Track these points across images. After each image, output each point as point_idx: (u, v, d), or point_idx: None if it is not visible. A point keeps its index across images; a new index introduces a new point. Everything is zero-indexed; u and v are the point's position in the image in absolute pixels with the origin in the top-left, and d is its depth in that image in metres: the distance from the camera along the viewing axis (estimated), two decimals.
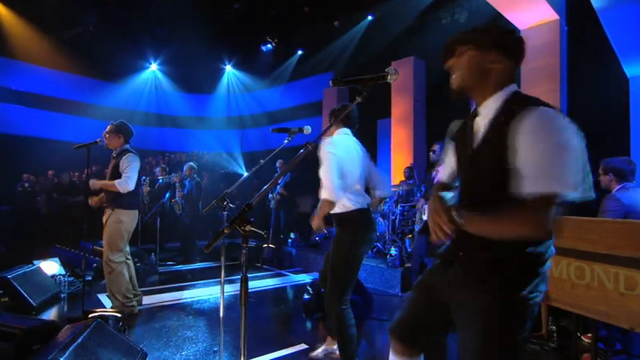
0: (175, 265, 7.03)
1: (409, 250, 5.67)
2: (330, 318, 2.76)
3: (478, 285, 1.39)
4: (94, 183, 4.00)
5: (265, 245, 7.38)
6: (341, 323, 2.62)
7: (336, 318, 2.65)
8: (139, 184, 4.17)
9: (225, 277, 2.66)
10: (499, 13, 6.13)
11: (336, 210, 2.69)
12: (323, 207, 2.56)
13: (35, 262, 4.91)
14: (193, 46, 11.41)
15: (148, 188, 7.40)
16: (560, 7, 6.00)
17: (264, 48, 12.00)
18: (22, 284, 4.18)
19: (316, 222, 2.59)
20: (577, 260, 2.58)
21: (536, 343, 3.34)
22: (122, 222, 3.94)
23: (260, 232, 1.57)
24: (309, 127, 2.69)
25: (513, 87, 1.43)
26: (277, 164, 7.91)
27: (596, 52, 6.04)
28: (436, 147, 4.68)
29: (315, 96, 11.80)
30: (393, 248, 5.80)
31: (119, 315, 3.61)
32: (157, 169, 8.58)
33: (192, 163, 7.66)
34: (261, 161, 3.03)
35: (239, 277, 1.42)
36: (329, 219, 2.67)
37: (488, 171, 1.38)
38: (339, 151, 2.61)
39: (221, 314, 2.62)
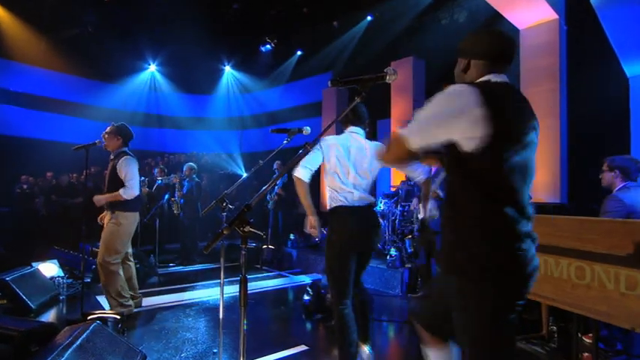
0: (175, 266, 7.02)
1: (409, 250, 5.66)
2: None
3: (450, 268, 1.51)
4: (99, 199, 3.98)
5: (265, 246, 7.37)
6: (338, 324, 2.63)
7: (335, 319, 2.64)
8: (140, 189, 4.16)
9: (225, 278, 2.66)
10: (498, 13, 6.12)
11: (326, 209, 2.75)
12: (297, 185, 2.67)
13: (34, 263, 4.90)
14: (192, 47, 11.39)
15: (147, 189, 7.39)
16: (560, 6, 6.00)
17: (263, 48, 11.99)
18: (21, 286, 4.16)
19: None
20: (577, 260, 2.57)
21: (537, 344, 3.33)
22: (122, 224, 3.93)
23: (259, 232, 1.56)
24: (308, 127, 2.68)
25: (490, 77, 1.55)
26: (275, 165, 7.89)
27: (595, 51, 6.03)
28: None
29: (315, 96, 11.79)
30: (392, 249, 5.80)
31: (118, 317, 3.59)
32: (156, 170, 8.56)
33: (191, 164, 7.65)
34: (261, 162, 3.03)
35: (239, 278, 1.41)
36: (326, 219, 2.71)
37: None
38: (324, 145, 2.68)
39: (221, 315, 2.62)
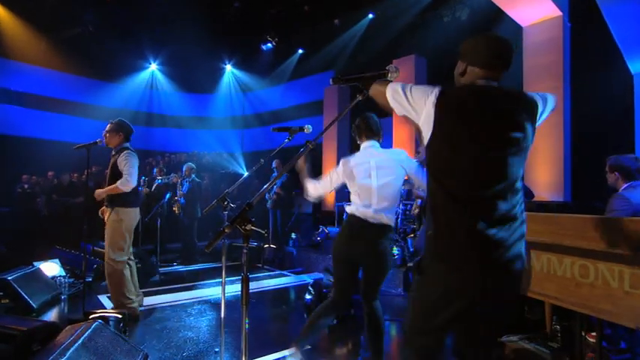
0: (177, 265, 7.02)
1: (411, 249, 5.64)
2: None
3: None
4: (99, 193, 3.99)
5: (266, 246, 7.36)
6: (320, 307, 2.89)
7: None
8: (139, 183, 4.16)
9: (227, 277, 2.65)
10: (501, 10, 6.09)
11: None
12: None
13: (35, 263, 4.90)
14: (193, 46, 11.38)
15: (147, 189, 7.38)
16: (563, 3, 5.96)
17: (264, 47, 11.96)
18: (23, 286, 4.17)
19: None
20: (581, 259, 2.55)
21: (541, 343, 3.31)
22: (122, 220, 3.92)
23: (261, 231, 1.56)
24: (309, 126, 2.66)
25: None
26: (274, 164, 7.89)
27: (599, 48, 6.00)
28: (421, 149, 4.68)
29: (316, 95, 11.77)
30: (395, 247, 5.77)
31: (120, 316, 3.59)
32: (155, 170, 8.56)
33: (191, 164, 7.65)
34: (262, 160, 3.01)
35: (240, 277, 1.41)
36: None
37: None
38: (344, 166, 2.76)
39: (222, 315, 2.61)
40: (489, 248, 1.49)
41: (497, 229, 1.49)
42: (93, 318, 3.05)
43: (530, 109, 1.59)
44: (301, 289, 5.49)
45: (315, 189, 2.80)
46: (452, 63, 1.73)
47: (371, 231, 2.65)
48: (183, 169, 7.52)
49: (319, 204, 10.33)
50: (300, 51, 12.25)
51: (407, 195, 6.55)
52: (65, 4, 9.49)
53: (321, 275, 6.16)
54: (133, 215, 4.04)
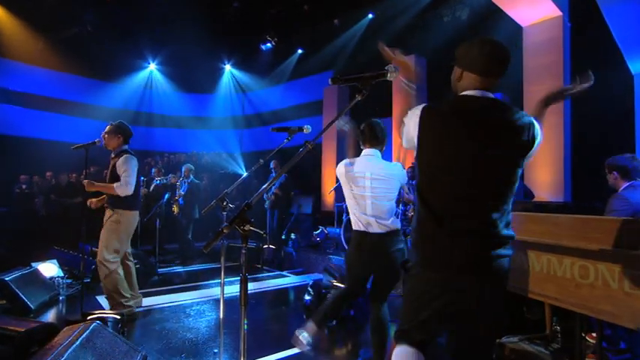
0: (176, 266, 7.00)
1: None
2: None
3: None
4: (90, 184, 3.87)
5: (266, 246, 7.34)
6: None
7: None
8: (138, 184, 4.14)
9: (226, 278, 2.64)
10: (501, 10, 6.07)
11: None
12: None
13: (33, 264, 4.89)
14: (192, 46, 11.34)
15: (145, 189, 7.36)
16: (563, 3, 5.94)
17: (263, 47, 11.94)
18: (20, 286, 4.16)
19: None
20: (581, 259, 2.53)
21: (541, 344, 3.30)
22: (121, 223, 3.91)
23: (259, 231, 1.55)
24: (309, 126, 2.65)
25: (464, 93, 1.68)
26: (271, 164, 7.87)
27: (600, 48, 5.98)
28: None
29: (316, 95, 11.75)
30: None
31: (118, 317, 3.57)
32: (153, 170, 8.54)
33: (189, 165, 7.64)
34: (261, 161, 3.00)
35: (239, 278, 1.41)
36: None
37: None
38: (339, 174, 2.84)
39: (221, 315, 2.61)
40: (470, 253, 1.56)
41: (481, 232, 1.56)
42: (91, 319, 3.03)
43: (524, 130, 1.60)
44: (301, 289, 5.48)
45: None
46: (452, 63, 1.73)
47: (374, 241, 2.67)
48: (182, 169, 7.50)
49: (319, 204, 10.32)
50: (300, 51, 12.23)
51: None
52: (64, 3, 9.45)
53: (320, 276, 6.14)
54: (132, 218, 4.03)
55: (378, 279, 2.80)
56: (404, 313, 1.72)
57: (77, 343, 2.37)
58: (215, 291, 5.28)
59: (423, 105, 1.67)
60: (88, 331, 2.53)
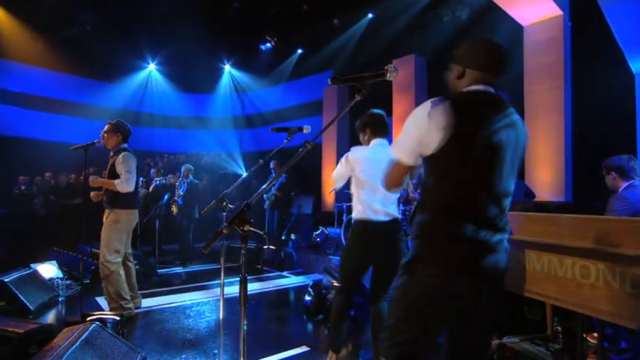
0: (176, 267, 6.99)
1: None
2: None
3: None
4: (94, 180, 3.96)
5: (266, 247, 7.33)
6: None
7: None
8: (137, 183, 4.14)
9: (225, 279, 2.63)
10: (501, 10, 6.06)
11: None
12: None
13: (32, 265, 4.87)
14: (192, 46, 11.34)
15: (145, 190, 7.35)
16: (564, 2, 5.93)
17: (263, 47, 11.92)
18: (19, 287, 4.14)
19: None
20: (582, 259, 2.52)
21: (542, 344, 3.29)
22: (120, 222, 3.90)
23: (259, 232, 1.55)
24: (308, 126, 2.64)
25: (463, 89, 1.65)
26: (271, 165, 7.86)
27: (600, 47, 5.97)
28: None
29: (316, 95, 11.75)
30: None
31: (118, 318, 3.56)
32: (152, 171, 8.53)
33: (188, 165, 7.63)
34: (261, 161, 2.99)
35: (239, 278, 1.40)
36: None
37: None
38: (352, 157, 2.77)
39: (221, 316, 2.60)
40: (475, 252, 1.52)
41: (485, 232, 1.53)
42: (90, 320, 3.02)
43: (522, 127, 1.65)
44: (301, 290, 5.47)
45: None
46: (451, 61, 1.73)
47: (382, 228, 2.69)
48: (181, 170, 7.50)
49: (319, 205, 10.31)
50: (300, 51, 12.22)
51: (407, 196, 6.52)
52: (63, 4, 9.44)
53: (320, 276, 6.14)
54: (131, 217, 4.02)
55: (380, 269, 2.78)
56: (397, 323, 1.61)
57: (76, 344, 2.37)
58: (215, 292, 5.27)
59: (439, 100, 1.53)
60: (87, 332, 2.53)
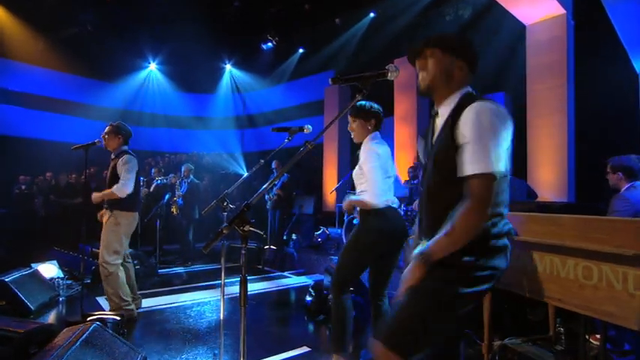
0: (177, 267, 6.98)
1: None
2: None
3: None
4: (96, 197, 3.97)
5: (266, 247, 7.32)
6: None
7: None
8: (139, 185, 4.13)
9: (226, 279, 2.62)
10: (504, 9, 6.04)
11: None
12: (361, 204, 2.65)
13: (33, 264, 4.87)
14: (193, 45, 11.33)
15: (146, 190, 7.35)
16: (567, 1, 5.90)
17: (264, 46, 11.91)
18: (20, 287, 4.14)
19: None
20: (584, 260, 2.50)
21: (544, 346, 3.27)
22: (120, 224, 3.89)
23: (259, 232, 1.54)
24: (309, 126, 2.64)
25: (468, 88, 1.59)
26: (273, 164, 7.86)
27: (604, 46, 5.93)
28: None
29: (317, 95, 11.74)
30: None
31: (118, 318, 3.56)
32: (153, 171, 8.53)
33: (189, 164, 7.62)
34: (261, 161, 2.99)
35: (239, 278, 1.38)
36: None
37: (440, 165, 1.53)
38: (381, 150, 2.68)
39: (221, 317, 2.59)
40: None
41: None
42: (91, 320, 3.02)
43: None
44: (302, 290, 5.46)
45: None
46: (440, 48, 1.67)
47: (403, 222, 2.74)
48: (182, 169, 7.49)
49: (320, 205, 10.30)
50: (301, 50, 12.20)
51: (409, 197, 6.52)
52: (64, 3, 9.44)
53: (321, 277, 6.13)
54: (131, 219, 4.01)
55: (388, 266, 2.77)
56: (419, 334, 1.46)
57: (77, 344, 2.36)
58: (215, 292, 5.26)
59: (495, 102, 1.47)
60: (87, 332, 2.52)
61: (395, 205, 2.74)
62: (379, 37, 9.43)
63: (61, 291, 4.78)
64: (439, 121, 1.60)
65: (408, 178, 6.75)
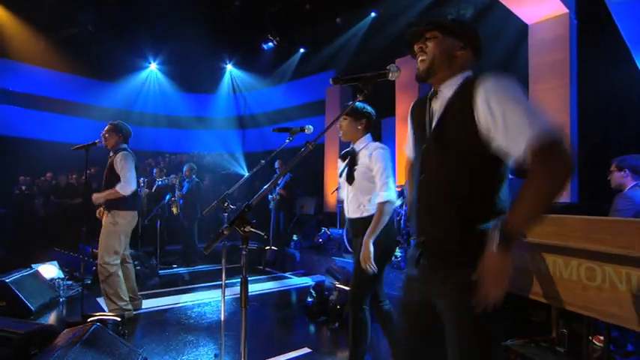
0: (177, 268, 6.97)
1: None
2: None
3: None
4: (97, 198, 3.94)
5: (267, 247, 7.31)
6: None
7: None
8: (138, 185, 4.12)
9: (227, 279, 2.61)
10: (506, 8, 6.01)
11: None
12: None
13: (33, 265, 4.86)
14: (193, 45, 11.31)
15: (147, 190, 7.33)
16: (570, 0, 5.88)
17: (265, 46, 11.89)
18: (20, 288, 4.13)
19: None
20: (588, 261, 2.49)
21: (547, 348, 3.25)
22: (118, 224, 3.88)
23: (260, 232, 1.53)
24: (310, 126, 2.63)
25: (471, 73, 1.50)
26: (276, 164, 7.84)
27: (607, 46, 5.88)
28: None
29: (318, 95, 11.71)
30: (398, 249, 5.73)
31: (119, 319, 3.55)
32: (154, 171, 8.52)
33: (191, 164, 7.61)
34: (262, 161, 2.97)
35: (240, 279, 1.37)
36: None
37: (452, 143, 1.39)
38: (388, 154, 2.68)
39: (222, 317, 2.58)
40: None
41: None
42: (91, 321, 3.02)
43: None
44: (303, 291, 5.45)
45: None
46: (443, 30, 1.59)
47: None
48: (184, 169, 7.47)
49: (321, 205, 10.27)
50: (302, 50, 12.18)
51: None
52: (64, 3, 9.43)
53: (323, 277, 6.12)
54: (130, 219, 3.99)
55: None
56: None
57: (77, 345, 2.35)
58: (216, 293, 5.25)
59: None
60: (88, 334, 2.52)
61: None
62: (380, 36, 9.39)
63: (61, 292, 4.78)
64: (437, 103, 1.51)
65: (409, 178, 6.72)
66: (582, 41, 5.95)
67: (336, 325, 3.90)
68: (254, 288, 5.59)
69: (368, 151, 2.67)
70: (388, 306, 2.80)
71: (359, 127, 2.74)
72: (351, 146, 2.79)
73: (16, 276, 4.25)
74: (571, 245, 2.56)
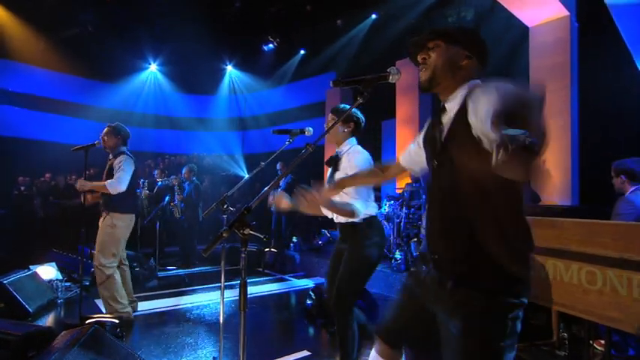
0: (176, 269, 6.95)
1: (415, 254, 5.57)
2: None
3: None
4: (84, 184, 3.80)
5: (267, 249, 7.29)
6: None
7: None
8: (136, 186, 4.10)
9: (226, 281, 2.60)
10: (507, 11, 6.02)
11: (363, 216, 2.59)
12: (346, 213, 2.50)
13: (32, 266, 4.82)
14: (193, 46, 11.32)
15: (147, 191, 7.32)
16: (570, 3, 5.88)
17: (265, 48, 11.90)
18: (18, 289, 4.11)
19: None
20: (588, 265, 2.49)
21: (547, 351, 3.24)
22: (116, 226, 3.85)
23: (259, 235, 1.51)
24: (310, 128, 2.62)
25: (476, 81, 1.46)
26: (278, 166, 7.84)
27: (608, 48, 5.89)
28: None
29: (318, 96, 11.72)
30: (398, 252, 5.72)
31: (117, 321, 3.53)
32: (155, 172, 8.50)
33: (192, 165, 7.59)
34: (262, 163, 2.96)
35: (239, 281, 1.36)
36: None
37: (458, 161, 1.35)
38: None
39: (221, 320, 2.57)
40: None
41: None
42: (89, 323, 3.00)
43: None
44: (302, 293, 5.43)
45: None
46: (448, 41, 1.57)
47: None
48: (183, 171, 7.46)
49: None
50: (302, 52, 12.19)
51: (410, 199, 6.48)
52: (64, 4, 9.43)
53: (322, 280, 6.10)
54: (127, 222, 3.96)
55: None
56: None
57: (75, 347, 2.34)
58: (215, 295, 5.23)
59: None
60: (86, 336, 2.50)
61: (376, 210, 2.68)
62: (381, 38, 9.39)
63: (59, 293, 4.75)
64: (446, 118, 1.47)
65: (410, 181, 6.71)
66: (583, 44, 5.96)
67: (334, 328, 3.87)
68: (253, 290, 5.57)
69: (348, 156, 2.61)
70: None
71: (345, 130, 2.67)
72: (336, 151, 2.76)
73: (13, 277, 4.22)
74: (571, 249, 2.56)
